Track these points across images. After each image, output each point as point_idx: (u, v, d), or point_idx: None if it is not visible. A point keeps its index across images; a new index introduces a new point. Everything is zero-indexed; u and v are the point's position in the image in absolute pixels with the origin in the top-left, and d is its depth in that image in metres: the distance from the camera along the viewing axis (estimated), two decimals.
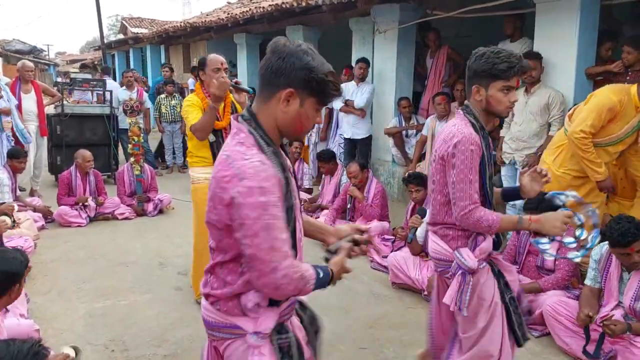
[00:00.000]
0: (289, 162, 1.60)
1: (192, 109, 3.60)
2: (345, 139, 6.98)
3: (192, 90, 9.26)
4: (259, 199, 1.39)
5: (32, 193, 7.01)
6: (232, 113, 3.74)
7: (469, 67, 2.24)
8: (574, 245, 2.28)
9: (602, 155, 3.76)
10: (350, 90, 6.77)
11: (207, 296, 1.62)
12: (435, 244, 2.35)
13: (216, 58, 3.64)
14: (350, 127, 6.83)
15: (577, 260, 2.34)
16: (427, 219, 4.10)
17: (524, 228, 2.20)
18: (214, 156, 3.70)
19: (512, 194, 2.42)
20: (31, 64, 7.42)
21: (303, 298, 1.80)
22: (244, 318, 1.56)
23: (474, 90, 2.21)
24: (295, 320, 1.72)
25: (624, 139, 3.74)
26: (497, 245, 2.33)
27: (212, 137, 3.68)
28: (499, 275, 2.31)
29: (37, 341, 1.48)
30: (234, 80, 3.61)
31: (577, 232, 2.23)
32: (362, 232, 1.76)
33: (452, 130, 2.20)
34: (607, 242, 3.10)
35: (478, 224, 2.15)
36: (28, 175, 7.06)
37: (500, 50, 2.16)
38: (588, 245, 2.23)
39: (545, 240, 2.28)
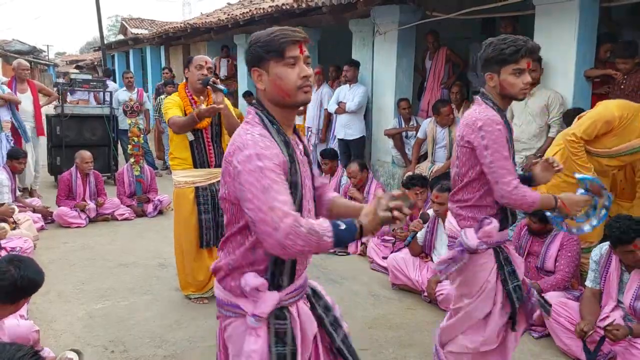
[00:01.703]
0: (302, 145, 1.69)
1: (171, 105, 3.73)
2: (338, 139, 6.95)
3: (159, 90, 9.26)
4: (257, 164, 1.47)
5: (31, 194, 7.00)
6: None
7: (479, 58, 2.34)
8: (583, 222, 2.50)
9: (592, 162, 3.75)
10: (344, 91, 6.77)
11: (215, 271, 1.70)
12: (449, 222, 2.49)
13: (201, 57, 3.80)
14: (342, 128, 6.80)
15: (586, 229, 2.52)
16: (428, 222, 4.14)
17: (554, 206, 2.30)
18: (194, 157, 3.75)
19: (524, 182, 2.47)
20: (27, 63, 7.41)
21: (318, 287, 1.83)
22: (244, 299, 1.61)
23: (488, 77, 2.32)
24: (303, 305, 1.73)
25: (619, 156, 3.70)
26: (504, 222, 2.40)
27: (190, 136, 3.72)
28: (505, 262, 2.38)
29: (31, 348, 1.42)
30: (211, 80, 3.64)
31: (590, 212, 2.47)
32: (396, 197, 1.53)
33: (473, 115, 2.31)
34: (607, 242, 3.11)
35: (524, 199, 2.22)
36: (30, 179, 7.02)
37: (507, 37, 2.27)
38: (594, 223, 2.47)
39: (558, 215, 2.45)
